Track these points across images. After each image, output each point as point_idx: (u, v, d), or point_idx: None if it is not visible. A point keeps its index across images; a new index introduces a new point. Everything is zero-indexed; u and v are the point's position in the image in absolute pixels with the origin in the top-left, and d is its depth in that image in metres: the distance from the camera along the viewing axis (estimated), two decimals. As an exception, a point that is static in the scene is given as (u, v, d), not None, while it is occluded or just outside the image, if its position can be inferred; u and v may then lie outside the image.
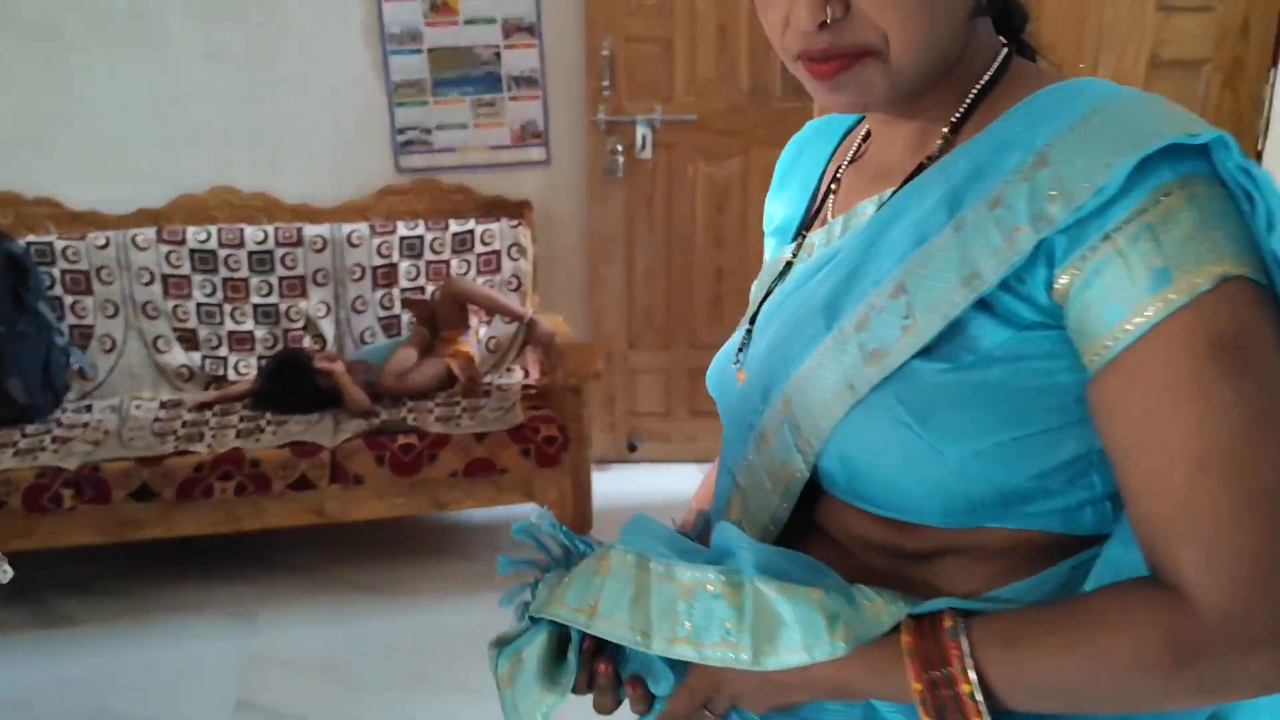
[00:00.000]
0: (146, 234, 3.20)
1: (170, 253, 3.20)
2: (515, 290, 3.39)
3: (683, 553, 0.80)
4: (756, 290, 0.93)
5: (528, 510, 3.22)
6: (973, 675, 0.67)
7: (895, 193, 0.78)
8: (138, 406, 3.11)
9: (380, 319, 3.33)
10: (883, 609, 0.72)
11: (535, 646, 0.80)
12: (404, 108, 3.42)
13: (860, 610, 0.72)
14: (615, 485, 3.44)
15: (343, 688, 2.53)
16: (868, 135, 0.88)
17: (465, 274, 3.34)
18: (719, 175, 3.47)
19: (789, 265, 0.88)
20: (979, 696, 0.67)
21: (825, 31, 0.70)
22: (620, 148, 3.40)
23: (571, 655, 0.80)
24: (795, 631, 0.71)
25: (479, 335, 3.30)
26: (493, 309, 3.26)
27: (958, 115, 0.77)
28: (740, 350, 0.88)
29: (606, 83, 3.36)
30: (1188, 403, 0.63)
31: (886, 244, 0.75)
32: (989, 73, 0.77)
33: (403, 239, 3.33)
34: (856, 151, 0.89)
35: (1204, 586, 0.63)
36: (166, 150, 3.31)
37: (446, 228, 3.35)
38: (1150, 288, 0.64)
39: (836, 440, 0.74)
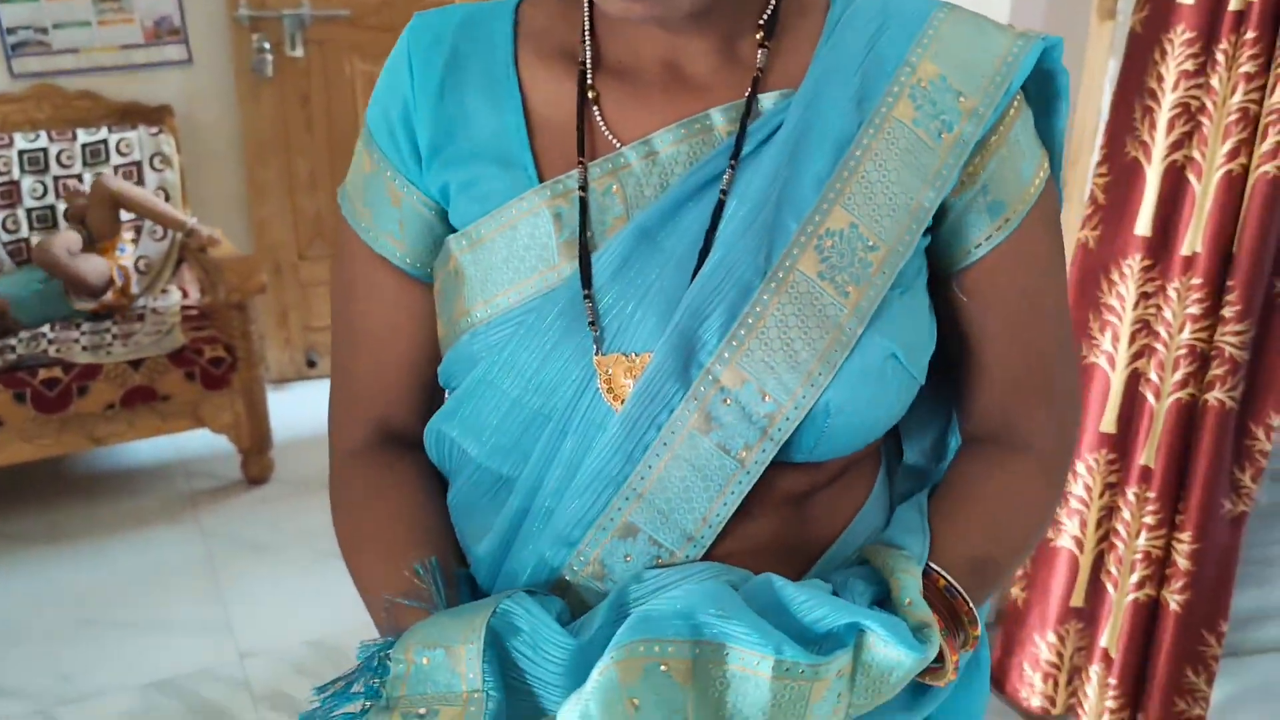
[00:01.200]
0: None
1: None
2: (164, 203, 3.13)
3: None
4: (496, 245, 0.71)
5: (198, 437, 3.06)
6: (979, 618, 0.69)
7: (751, 109, 0.70)
8: None
9: (5, 244, 2.99)
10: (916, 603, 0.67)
11: None
12: (10, 4, 3.03)
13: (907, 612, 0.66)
14: (295, 404, 3.33)
15: (3, 645, 2.33)
16: (593, 31, 0.74)
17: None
18: (377, 72, 3.34)
19: (584, 206, 0.70)
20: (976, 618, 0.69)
21: None
22: (268, 45, 3.19)
23: None
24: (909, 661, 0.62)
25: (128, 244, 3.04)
26: (149, 214, 2.98)
27: (766, 15, 0.72)
28: (592, 323, 0.68)
29: (245, -26, 3.13)
30: (1051, 281, 0.74)
31: (796, 170, 0.68)
32: None
33: (22, 153, 2.98)
34: (593, 55, 0.74)
35: (1052, 433, 0.77)
36: None
37: (74, 138, 3.03)
38: (1019, 184, 0.72)
39: (827, 400, 0.66)
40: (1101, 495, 1.85)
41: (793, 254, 0.66)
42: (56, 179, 3.02)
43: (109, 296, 2.92)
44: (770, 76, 0.72)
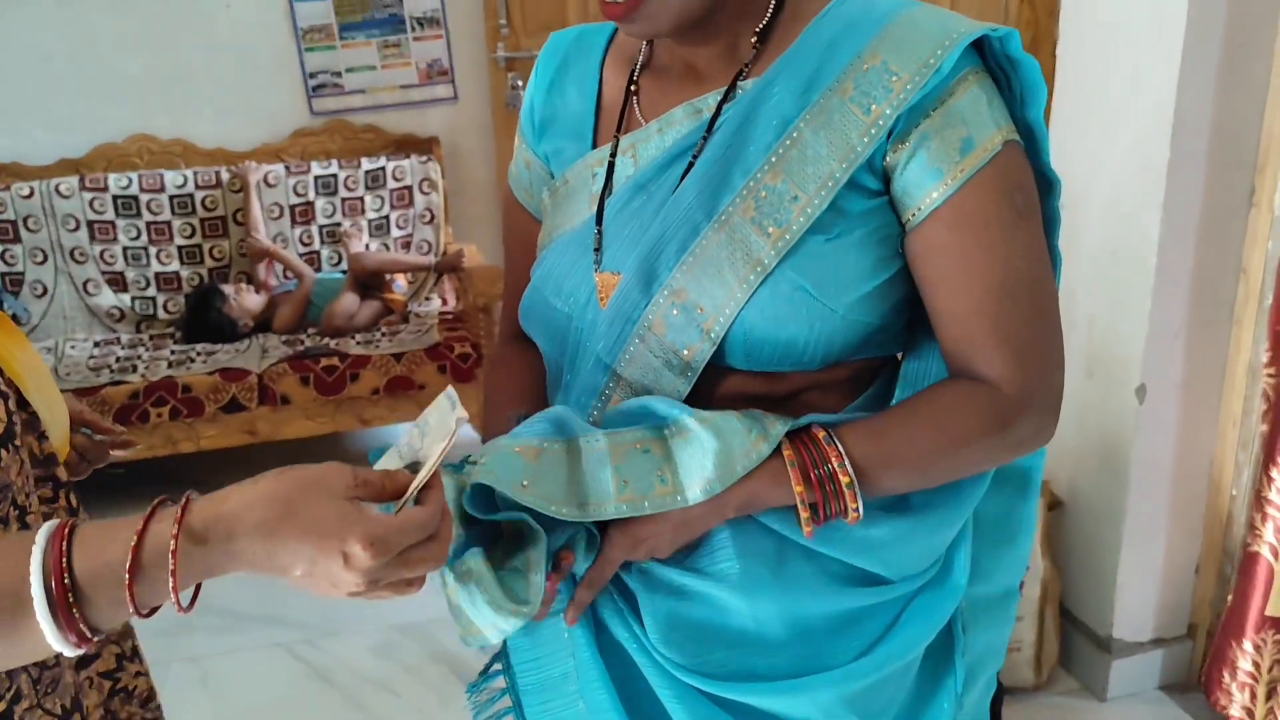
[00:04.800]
0: (69, 182, 3.35)
1: (93, 199, 3.35)
2: (429, 223, 3.58)
3: (600, 425, 0.89)
4: (560, 195, 0.98)
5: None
6: (849, 468, 0.83)
7: (730, 93, 0.88)
8: (72, 347, 3.27)
9: (301, 255, 3.52)
10: (774, 421, 0.86)
11: (479, 559, 0.80)
12: (313, 52, 3.57)
13: (761, 421, 0.86)
14: (533, 401, 3.67)
15: (279, 585, 2.74)
16: (650, 42, 0.97)
17: (366, 245, 3.50)
18: (616, 105, 3.67)
19: (610, 167, 0.94)
20: (856, 487, 0.83)
21: None
22: (520, 83, 3.58)
23: (535, 555, 0.80)
24: (722, 455, 0.82)
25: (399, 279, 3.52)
26: (398, 269, 3.47)
27: (762, 25, 0.89)
28: (596, 250, 0.92)
29: (504, 20, 3.54)
30: (995, 240, 0.83)
31: (748, 138, 0.86)
32: None
33: (317, 178, 3.50)
34: (645, 59, 0.97)
35: (1008, 378, 0.85)
36: (83, 101, 3.44)
37: (359, 165, 3.52)
38: (960, 154, 0.82)
39: (746, 314, 0.84)
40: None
41: (735, 203, 0.85)
42: (344, 200, 3.53)
43: (395, 315, 3.40)
44: (755, 68, 0.89)
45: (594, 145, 0.98)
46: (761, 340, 0.85)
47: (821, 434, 0.85)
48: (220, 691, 2.39)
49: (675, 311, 0.86)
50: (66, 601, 0.66)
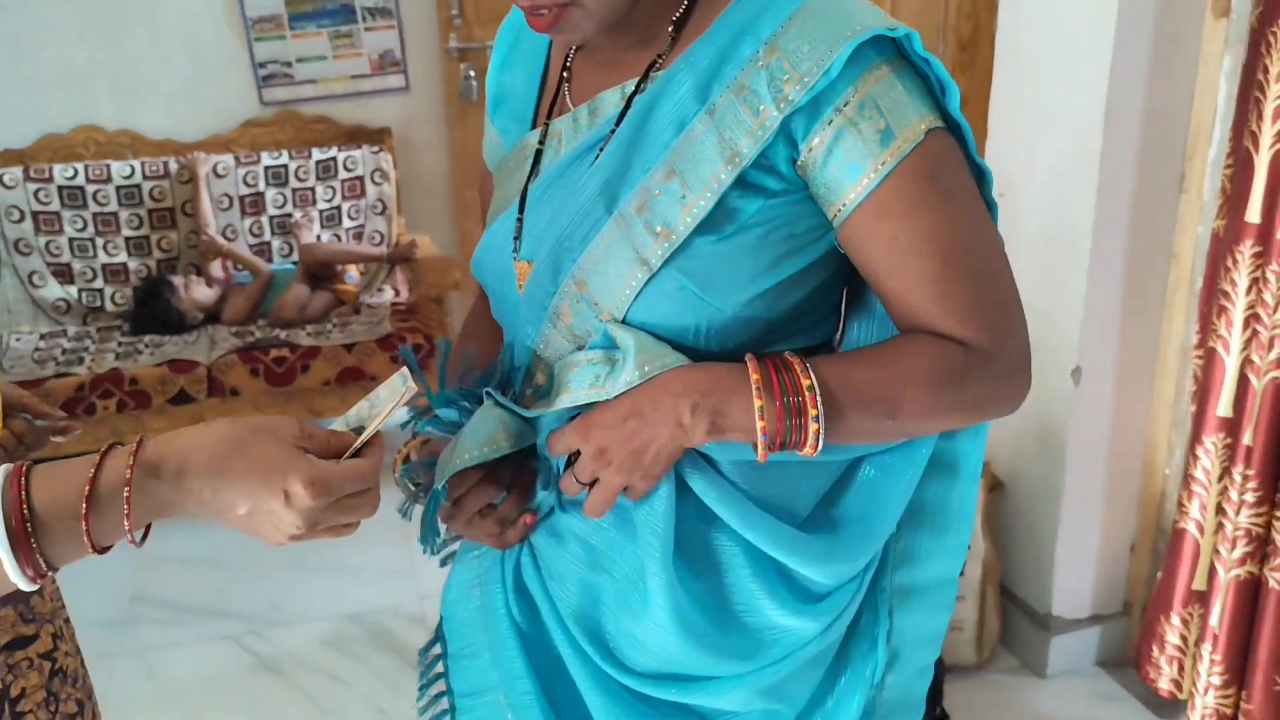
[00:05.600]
0: (13, 173, 3.30)
1: (38, 190, 3.31)
2: (381, 214, 3.57)
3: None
4: (503, 174, 0.99)
5: (401, 412, 3.39)
6: (819, 399, 0.82)
7: (640, 84, 0.87)
8: (17, 339, 3.23)
9: (251, 246, 3.49)
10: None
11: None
12: (263, 42, 3.55)
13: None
14: (487, 392, 3.68)
15: (225, 576, 2.75)
16: None
17: (318, 236, 3.49)
18: (569, 96, 3.68)
19: (539, 153, 0.94)
20: (822, 420, 0.82)
21: None
22: (474, 73, 3.59)
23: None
24: (648, 345, 0.85)
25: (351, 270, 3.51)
26: (350, 260, 3.46)
27: (679, 14, 0.88)
28: (515, 238, 0.94)
29: (456, 11, 3.53)
30: (923, 222, 0.82)
31: (649, 133, 0.85)
32: None
33: (267, 168, 3.48)
34: (580, 45, 0.95)
35: (969, 337, 0.84)
36: (27, 91, 3.40)
37: (310, 156, 3.51)
38: (880, 145, 0.81)
39: (635, 310, 0.85)
40: (1220, 479, 1.88)
41: (631, 200, 0.85)
42: (294, 191, 3.51)
43: (347, 306, 3.40)
44: (668, 58, 0.88)
45: (533, 126, 0.98)
46: (655, 331, 0.86)
47: (797, 361, 0.84)
48: (166, 685, 2.37)
49: (578, 302, 0.88)
50: (26, 535, 0.69)
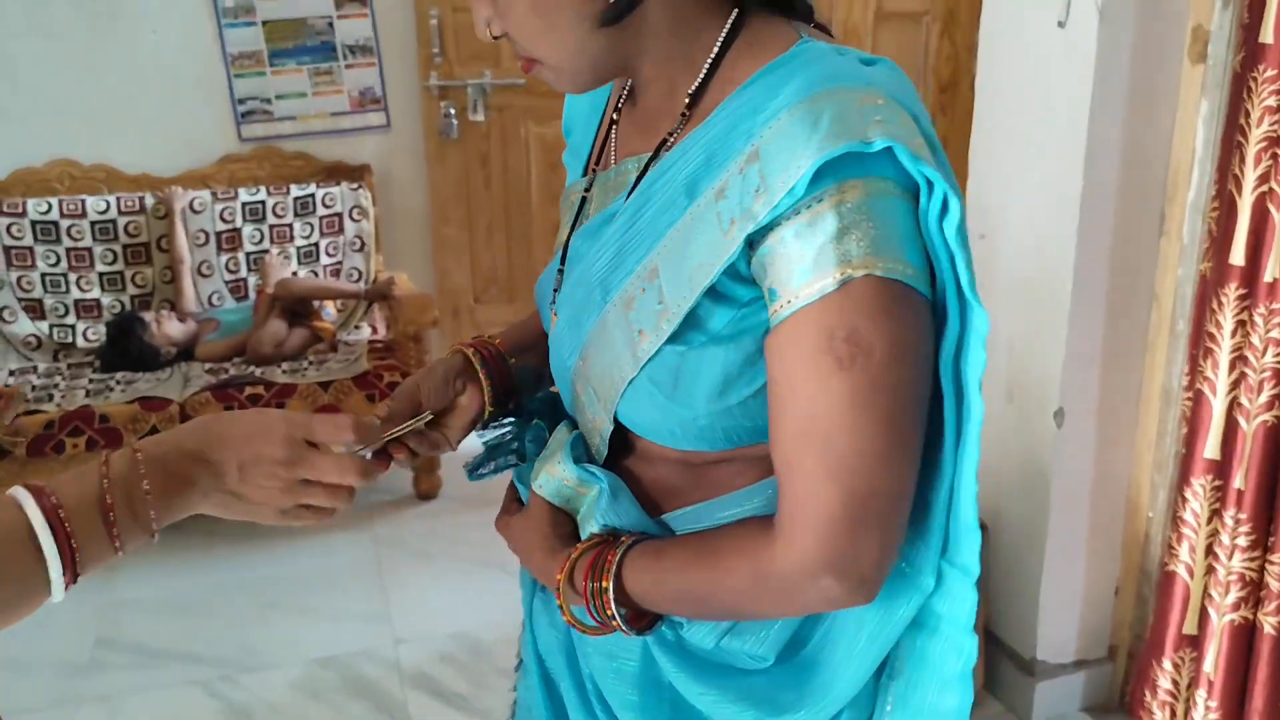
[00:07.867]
0: (-15, 207, 3.26)
1: (10, 224, 3.27)
2: (359, 250, 3.54)
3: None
4: (563, 210, 0.98)
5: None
6: (611, 597, 0.85)
7: (651, 160, 0.84)
8: (-15, 375, 3.18)
9: (227, 282, 3.46)
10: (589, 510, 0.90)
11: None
12: (242, 78, 3.53)
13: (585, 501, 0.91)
14: (465, 431, 3.64)
15: (193, 619, 2.69)
16: None
17: (294, 272, 3.46)
18: (549, 135, 3.68)
19: (584, 200, 0.93)
20: (619, 619, 0.85)
21: (506, 39, 0.82)
22: (454, 111, 3.58)
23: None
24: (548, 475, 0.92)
25: (329, 307, 3.48)
26: (328, 296, 3.43)
27: (694, 87, 0.82)
28: (555, 290, 0.93)
29: (437, 49, 3.53)
30: (801, 383, 0.74)
31: (644, 223, 0.82)
32: (718, 44, 0.82)
33: (245, 204, 3.45)
34: (628, 89, 0.92)
35: (783, 528, 0.78)
36: (1, 124, 3.36)
37: (288, 192, 3.48)
38: (795, 279, 0.72)
39: (621, 405, 0.84)
40: (1209, 521, 1.87)
41: (624, 290, 0.82)
42: (272, 227, 3.48)
43: (324, 344, 3.36)
44: (680, 135, 0.83)
45: (584, 171, 0.97)
46: (641, 428, 0.86)
47: (614, 554, 0.86)
48: (133, 731, 2.30)
49: (586, 383, 0.88)
50: (68, 542, 0.74)
